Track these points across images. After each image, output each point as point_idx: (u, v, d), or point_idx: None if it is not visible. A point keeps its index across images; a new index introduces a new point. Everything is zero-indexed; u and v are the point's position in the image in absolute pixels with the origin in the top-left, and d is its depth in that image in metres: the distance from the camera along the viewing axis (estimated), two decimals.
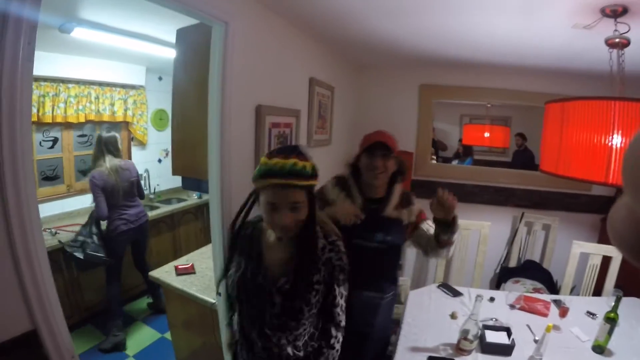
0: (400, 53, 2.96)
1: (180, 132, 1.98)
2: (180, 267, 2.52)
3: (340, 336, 1.36)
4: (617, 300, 1.90)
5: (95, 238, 2.97)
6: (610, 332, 1.89)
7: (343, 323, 1.37)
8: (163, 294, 2.66)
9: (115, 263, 3.13)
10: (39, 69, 2.76)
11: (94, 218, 3.03)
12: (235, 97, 1.71)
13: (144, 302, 3.73)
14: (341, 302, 1.34)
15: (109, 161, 3.05)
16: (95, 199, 2.97)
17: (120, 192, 3.08)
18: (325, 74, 2.84)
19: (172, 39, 2.74)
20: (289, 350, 1.29)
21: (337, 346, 1.36)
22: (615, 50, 1.71)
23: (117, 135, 3.15)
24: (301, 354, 1.31)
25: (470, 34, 2.30)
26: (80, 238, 2.93)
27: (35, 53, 1.04)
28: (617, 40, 1.68)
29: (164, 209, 3.88)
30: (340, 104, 3.29)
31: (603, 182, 1.42)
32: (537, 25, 2.01)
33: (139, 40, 2.81)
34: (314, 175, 1.21)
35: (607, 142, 1.38)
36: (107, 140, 3.05)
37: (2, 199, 1.05)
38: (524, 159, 4.16)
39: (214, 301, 2.11)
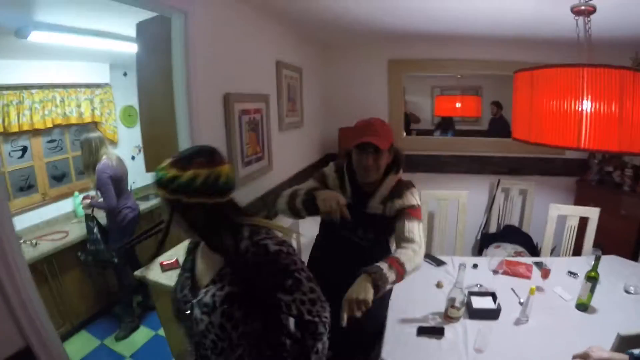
0: (366, 30, 2.93)
1: (150, 127, 1.92)
2: (165, 263, 2.47)
3: (319, 349, 1.13)
4: (597, 260, 1.96)
5: (99, 238, 3.03)
6: (592, 290, 1.96)
7: (320, 330, 1.12)
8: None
9: (125, 255, 3.19)
10: None
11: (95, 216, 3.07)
12: (202, 88, 1.68)
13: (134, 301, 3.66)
14: (305, 308, 1.08)
15: (112, 152, 3.09)
16: (105, 191, 2.96)
17: (126, 181, 3.18)
18: (292, 56, 2.79)
19: (133, 33, 2.66)
20: None
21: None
22: (581, 18, 1.73)
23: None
24: None
25: (436, 8, 2.29)
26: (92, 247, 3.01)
27: None
28: (583, 7, 1.70)
29: (143, 206, 3.78)
30: (309, 85, 3.26)
31: (575, 147, 1.43)
32: None
33: (99, 37, 2.72)
34: (175, 189, 1.00)
35: (577, 107, 1.39)
36: (99, 136, 3.06)
37: None
38: (500, 127, 4.20)
39: None
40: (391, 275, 1.44)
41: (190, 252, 1.26)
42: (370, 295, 1.36)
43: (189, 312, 1.11)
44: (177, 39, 1.56)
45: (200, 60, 1.64)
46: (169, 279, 2.33)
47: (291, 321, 1.17)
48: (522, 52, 3.27)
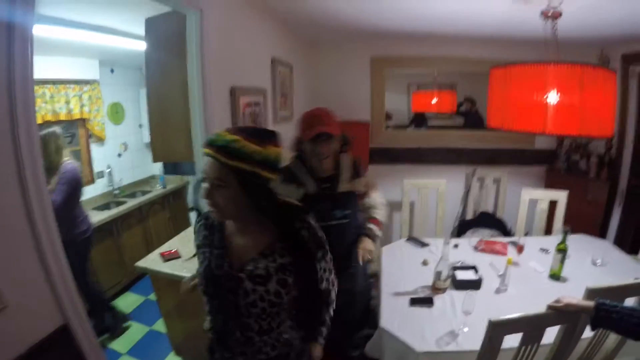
0: (350, 28, 3.18)
1: (158, 120, 2.06)
2: (165, 253, 2.61)
3: (330, 311, 1.45)
4: (565, 233, 2.27)
5: None
6: (562, 261, 2.27)
7: (332, 296, 1.43)
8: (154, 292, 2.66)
9: (87, 268, 2.99)
10: None
11: None
12: (213, 81, 1.84)
13: (124, 299, 3.75)
14: (326, 276, 1.35)
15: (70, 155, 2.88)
16: (64, 188, 2.66)
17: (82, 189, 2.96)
18: (284, 53, 3.01)
19: (130, 28, 2.78)
20: (272, 340, 1.27)
21: (328, 321, 1.45)
22: (549, 21, 2.00)
23: None
24: (278, 348, 1.29)
25: (417, 7, 2.53)
26: None
27: None
28: (550, 12, 1.97)
29: (131, 203, 3.91)
30: (298, 80, 3.50)
31: (542, 132, 1.69)
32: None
33: (100, 33, 2.77)
34: (257, 161, 1.09)
35: (544, 99, 1.64)
36: (60, 134, 2.77)
37: (24, 192, 1.11)
38: (474, 121, 4.51)
39: None
40: (378, 231, 2.19)
41: (216, 229, 1.28)
42: (372, 246, 2.13)
43: (233, 285, 1.20)
44: (192, 34, 1.72)
45: (211, 55, 1.81)
46: (172, 267, 2.47)
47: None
48: (496, 51, 3.60)
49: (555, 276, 2.30)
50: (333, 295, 1.43)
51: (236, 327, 1.25)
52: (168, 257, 2.58)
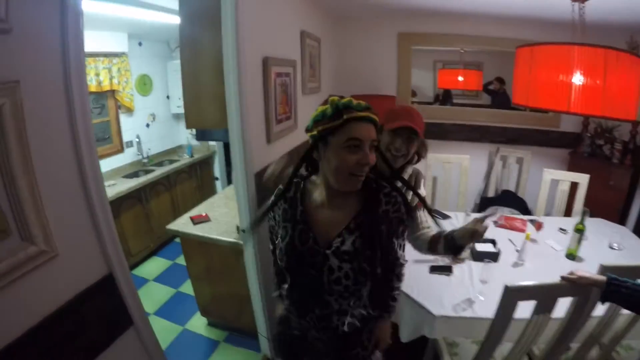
0: (378, 3, 3.24)
1: (192, 90, 2.17)
2: (195, 217, 2.77)
3: (401, 284, 1.46)
4: (583, 214, 2.34)
5: None
6: (579, 241, 2.34)
7: (403, 264, 1.38)
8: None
9: None
10: None
11: None
12: (246, 51, 1.93)
13: (152, 263, 3.98)
14: (400, 252, 1.32)
15: None
16: None
17: None
18: (313, 27, 3.10)
19: (161, 1, 2.87)
20: (349, 318, 1.27)
21: (398, 297, 1.46)
22: (577, 4, 2.04)
23: None
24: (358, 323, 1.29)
25: None
26: None
27: None
28: None
29: (159, 171, 4.10)
30: (326, 54, 3.60)
31: (566, 110, 1.74)
32: None
33: (130, 6, 2.86)
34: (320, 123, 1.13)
35: (568, 78, 1.69)
36: None
37: (76, 148, 1.21)
38: (502, 101, 4.52)
39: (235, 240, 2.42)
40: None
41: (298, 203, 1.26)
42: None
43: (317, 262, 1.20)
44: (227, 5, 1.80)
45: (246, 25, 1.89)
46: (202, 230, 2.63)
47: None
48: (522, 31, 3.59)
49: (571, 255, 2.37)
50: (403, 270, 1.42)
51: (316, 304, 1.26)
52: (198, 220, 2.75)
